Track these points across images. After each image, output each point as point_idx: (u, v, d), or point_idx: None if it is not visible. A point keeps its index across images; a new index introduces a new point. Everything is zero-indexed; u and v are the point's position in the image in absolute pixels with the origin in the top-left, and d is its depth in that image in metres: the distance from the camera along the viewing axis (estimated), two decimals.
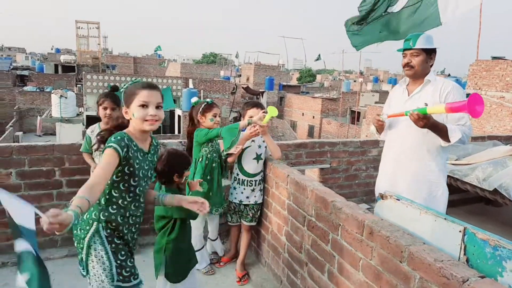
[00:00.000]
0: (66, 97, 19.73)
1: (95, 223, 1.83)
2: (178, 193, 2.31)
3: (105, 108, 3.19)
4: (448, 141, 2.45)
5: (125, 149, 1.73)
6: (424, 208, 1.88)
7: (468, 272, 1.50)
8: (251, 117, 2.98)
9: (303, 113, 32.31)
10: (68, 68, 37.61)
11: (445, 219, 1.76)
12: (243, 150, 3.13)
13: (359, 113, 29.39)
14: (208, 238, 3.40)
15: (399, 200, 2.03)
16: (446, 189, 2.67)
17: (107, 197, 1.84)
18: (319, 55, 33.32)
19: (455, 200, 4.98)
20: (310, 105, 31.51)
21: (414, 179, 2.60)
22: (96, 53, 38.11)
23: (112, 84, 3.48)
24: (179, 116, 22.59)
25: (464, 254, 1.67)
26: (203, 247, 3.23)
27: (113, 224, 1.85)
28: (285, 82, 46.41)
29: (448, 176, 4.32)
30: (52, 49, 56.02)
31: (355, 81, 45.17)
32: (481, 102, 2.09)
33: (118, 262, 1.85)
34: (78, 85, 31.04)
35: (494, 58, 15.97)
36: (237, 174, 3.18)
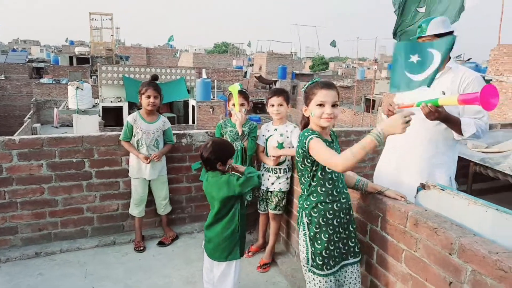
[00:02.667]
0: (82, 89, 19.97)
1: (301, 211, 2.05)
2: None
3: (148, 97, 3.23)
4: (461, 134, 2.35)
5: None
6: (473, 198, 1.82)
7: None
8: (272, 105, 3.05)
9: None
10: (82, 60, 37.92)
11: (497, 209, 1.70)
12: (266, 139, 3.12)
13: (374, 101, 28.97)
14: None
15: (444, 190, 1.97)
16: (451, 184, 2.55)
17: (308, 187, 2.01)
18: (334, 41, 32.79)
19: (483, 188, 4.87)
20: None
21: (419, 172, 2.51)
22: (109, 44, 38.30)
23: (153, 74, 3.49)
24: (193, 107, 22.64)
25: None
26: None
27: (315, 210, 1.97)
28: (298, 70, 46.00)
29: (479, 164, 4.22)
30: (66, 41, 56.57)
31: (369, 68, 44.47)
32: (495, 94, 1.92)
33: (313, 249, 1.97)
34: (93, 77, 31.31)
35: None
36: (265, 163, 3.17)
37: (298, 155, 2.01)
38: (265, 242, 3.37)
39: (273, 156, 2.99)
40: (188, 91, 23.26)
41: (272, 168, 3.10)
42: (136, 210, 3.39)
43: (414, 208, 1.98)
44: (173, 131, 3.61)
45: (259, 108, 27.58)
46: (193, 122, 22.43)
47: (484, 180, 4.70)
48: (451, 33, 2.49)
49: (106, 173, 3.37)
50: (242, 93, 3.21)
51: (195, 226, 3.72)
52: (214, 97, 24.26)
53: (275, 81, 35.73)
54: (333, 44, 32.22)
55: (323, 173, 1.96)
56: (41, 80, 28.84)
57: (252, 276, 3.08)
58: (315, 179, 1.98)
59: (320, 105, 1.92)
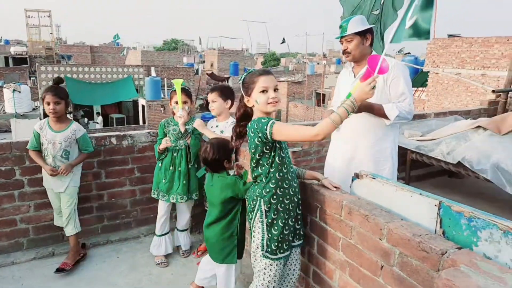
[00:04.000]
0: (19, 91, 18.59)
1: (259, 199, 2.03)
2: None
3: (48, 103, 2.90)
4: (389, 119, 2.53)
5: None
6: (400, 185, 1.92)
7: (446, 244, 1.54)
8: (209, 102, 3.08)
9: None
10: (20, 61, 35.38)
11: (420, 194, 1.80)
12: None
13: (324, 95, 29.83)
14: (176, 228, 3.35)
15: (375, 178, 2.06)
16: (392, 167, 2.74)
17: (267, 174, 2.01)
18: (284, 39, 33.33)
19: (420, 174, 5.18)
20: None
21: (366, 160, 2.68)
22: (49, 43, 36.05)
23: (60, 76, 3.18)
24: (143, 106, 21.96)
25: (440, 227, 1.72)
26: (164, 234, 3.20)
27: (274, 197, 2.00)
28: (250, 67, 46.15)
29: (414, 151, 4.48)
30: (1, 41, 52.42)
31: (318, 63, 45.62)
32: (380, 59, 2.15)
33: (270, 235, 2.02)
34: (32, 78, 29.39)
35: (450, 36, 16.60)
36: None
37: (254, 144, 1.98)
38: None
39: None
40: (137, 90, 22.54)
41: None
42: (60, 220, 3.13)
43: (348, 197, 2.05)
44: (117, 133, 3.47)
45: None
46: (144, 122, 21.76)
47: (421, 166, 5.01)
48: (370, 30, 2.64)
49: (40, 181, 3.14)
50: (185, 91, 3.16)
51: (142, 230, 3.61)
52: (164, 95, 23.63)
53: (228, 78, 35.61)
54: (283, 42, 32.72)
55: (280, 158, 1.99)
56: None
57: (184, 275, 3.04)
58: (273, 165, 1.99)
59: (263, 91, 1.97)
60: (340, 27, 2.65)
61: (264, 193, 2.02)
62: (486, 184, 3.92)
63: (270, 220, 2.02)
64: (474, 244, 1.58)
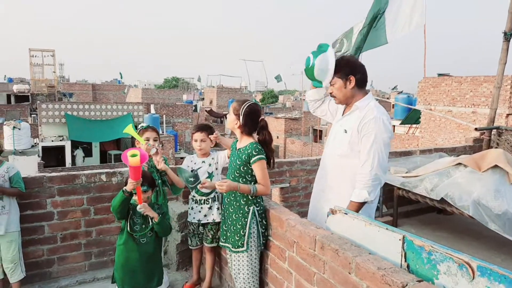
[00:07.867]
0: (19, 128, 18.91)
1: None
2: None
3: None
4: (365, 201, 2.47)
5: None
6: (368, 220, 2.01)
7: (407, 277, 1.62)
8: (195, 140, 3.16)
9: None
10: (21, 98, 36.13)
11: (386, 229, 1.89)
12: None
13: (321, 131, 30.23)
14: None
15: (346, 214, 2.15)
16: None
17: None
18: (279, 75, 34.16)
19: (409, 210, 5.24)
20: (274, 126, 32.06)
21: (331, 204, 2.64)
22: (51, 81, 36.97)
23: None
24: None
25: (405, 260, 1.79)
26: None
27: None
28: None
29: (399, 188, 4.57)
30: (4, 79, 53.66)
31: None
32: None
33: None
34: (33, 115, 29.89)
35: (440, 75, 17.16)
36: (193, 195, 3.19)
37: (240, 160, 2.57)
38: (199, 278, 3.35)
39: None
40: (136, 126, 22.80)
41: (203, 200, 3.10)
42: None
43: (321, 232, 2.13)
44: (107, 170, 3.57)
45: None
46: None
47: (409, 203, 5.07)
48: (353, 72, 2.57)
49: (29, 218, 3.22)
50: (151, 127, 3.29)
51: None
52: (163, 132, 24.00)
53: (226, 115, 36.16)
54: (278, 78, 33.54)
55: None
56: None
57: None
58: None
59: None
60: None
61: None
62: (473, 220, 3.97)
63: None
64: (435, 277, 1.65)
